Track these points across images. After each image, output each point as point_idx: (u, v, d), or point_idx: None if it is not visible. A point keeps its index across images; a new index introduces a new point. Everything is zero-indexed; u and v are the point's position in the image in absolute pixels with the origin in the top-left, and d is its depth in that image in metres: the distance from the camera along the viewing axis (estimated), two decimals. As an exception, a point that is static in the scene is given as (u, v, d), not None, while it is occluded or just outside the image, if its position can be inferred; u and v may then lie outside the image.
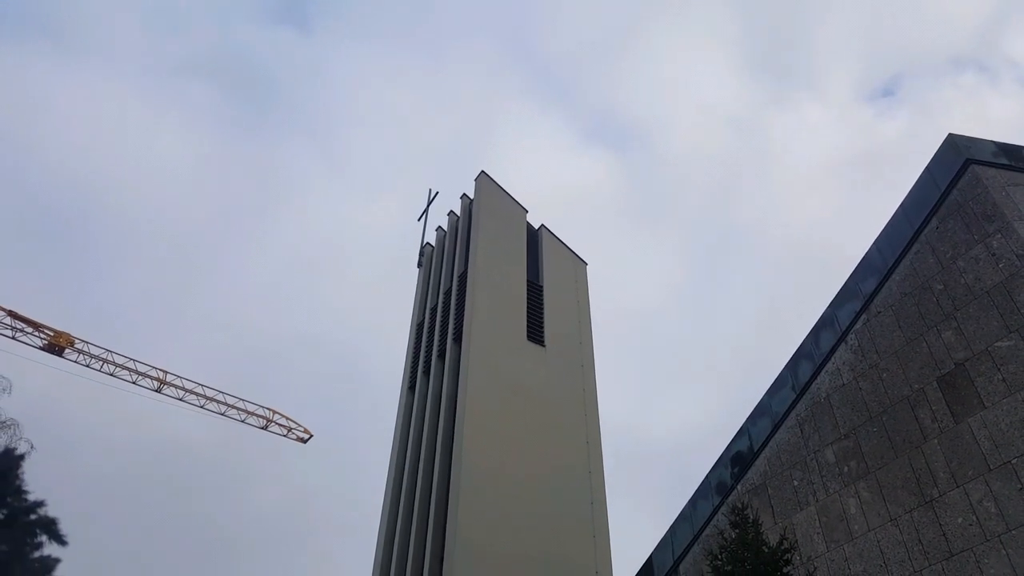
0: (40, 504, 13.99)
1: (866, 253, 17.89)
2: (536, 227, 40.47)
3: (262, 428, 66.21)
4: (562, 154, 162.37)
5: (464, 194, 41.30)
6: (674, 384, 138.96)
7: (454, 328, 33.43)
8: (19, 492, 13.90)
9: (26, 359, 56.55)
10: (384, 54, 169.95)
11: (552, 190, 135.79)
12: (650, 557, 19.52)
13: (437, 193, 45.77)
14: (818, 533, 15.38)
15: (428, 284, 40.23)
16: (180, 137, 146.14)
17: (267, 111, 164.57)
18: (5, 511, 13.81)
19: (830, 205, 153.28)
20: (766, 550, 13.20)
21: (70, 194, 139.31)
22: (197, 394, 63.42)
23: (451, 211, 42.43)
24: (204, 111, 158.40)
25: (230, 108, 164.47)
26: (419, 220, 45.11)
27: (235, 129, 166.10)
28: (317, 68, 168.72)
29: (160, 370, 62.33)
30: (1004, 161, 16.32)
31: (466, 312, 32.89)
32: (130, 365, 61.33)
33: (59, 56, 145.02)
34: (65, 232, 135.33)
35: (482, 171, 40.06)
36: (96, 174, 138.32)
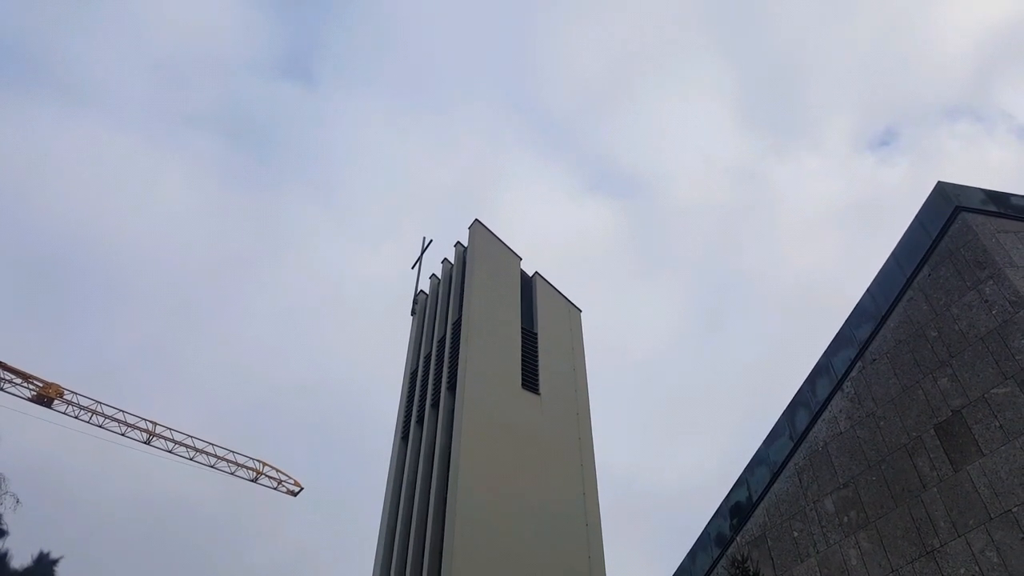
0: None
1: (860, 300, 17.95)
2: (530, 274, 40.59)
3: (252, 480, 65.28)
4: (563, 203, 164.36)
5: (458, 242, 41.50)
6: (679, 431, 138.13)
7: (448, 376, 33.22)
8: None
9: (15, 411, 55.90)
10: (386, 105, 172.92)
11: (554, 239, 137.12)
12: (649, 611, 19.10)
13: (431, 241, 46.06)
14: (820, 585, 15.08)
15: (422, 332, 40.12)
16: (182, 188, 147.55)
17: (269, 161, 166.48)
18: None
19: (832, 252, 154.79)
20: (767, 604, 12.94)
21: (69, 243, 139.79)
22: (187, 446, 62.67)
23: (445, 258, 42.58)
24: (207, 162, 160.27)
25: (233, 159, 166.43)
26: (413, 268, 45.28)
27: (238, 179, 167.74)
28: (320, 119, 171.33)
29: (149, 421, 61.70)
30: (993, 208, 16.50)
31: (460, 360, 32.72)
32: (119, 416, 60.69)
33: (63, 106, 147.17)
34: (64, 281, 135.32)
35: (476, 219, 40.35)
36: (96, 224, 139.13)
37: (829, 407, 17.15)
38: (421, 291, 43.22)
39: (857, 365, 17.05)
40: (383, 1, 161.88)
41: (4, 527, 13.50)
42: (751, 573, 13.69)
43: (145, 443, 61.25)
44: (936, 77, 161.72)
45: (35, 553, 13.68)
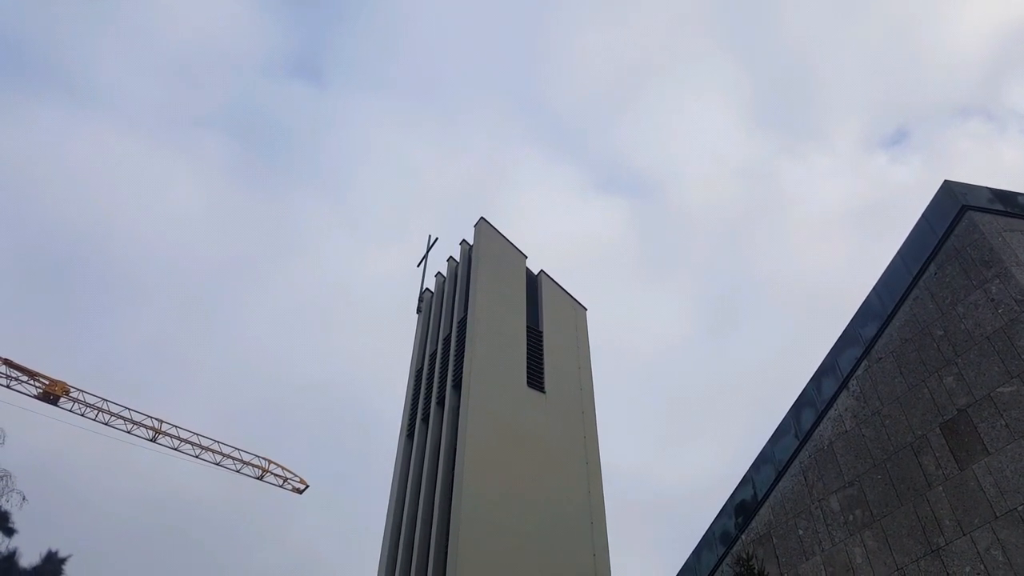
0: None
1: (866, 299, 17.94)
2: (536, 273, 40.60)
3: (258, 478, 65.37)
4: (570, 202, 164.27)
5: (463, 240, 41.54)
6: (684, 431, 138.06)
7: (453, 374, 33.27)
8: None
9: (21, 408, 56.12)
10: (395, 105, 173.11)
11: (560, 238, 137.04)
12: (654, 609, 19.15)
13: (437, 239, 46.12)
14: (825, 584, 15.10)
15: (427, 330, 40.19)
16: (192, 188, 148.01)
17: (278, 161, 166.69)
18: None
19: (843, 253, 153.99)
20: (773, 602, 12.96)
21: (78, 243, 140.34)
22: (192, 443, 62.79)
23: (450, 257, 42.62)
24: (217, 162, 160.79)
25: (243, 159, 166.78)
26: (418, 266, 45.34)
27: (246, 179, 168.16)
28: (329, 119, 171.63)
29: (155, 419, 61.82)
30: (1000, 207, 16.48)
31: (466, 358, 32.77)
32: (125, 414, 60.81)
33: (73, 106, 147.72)
34: (72, 280, 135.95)
35: (481, 217, 40.39)
36: (105, 223, 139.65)
37: (835, 406, 17.16)
38: (427, 289, 43.28)
39: (863, 364, 17.05)
40: (393, 1, 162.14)
41: (13, 526, 13.54)
42: (756, 571, 13.71)
43: (151, 441, 61.40)
44: (947, 76, 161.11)
45: (43, 552, 13.70)
